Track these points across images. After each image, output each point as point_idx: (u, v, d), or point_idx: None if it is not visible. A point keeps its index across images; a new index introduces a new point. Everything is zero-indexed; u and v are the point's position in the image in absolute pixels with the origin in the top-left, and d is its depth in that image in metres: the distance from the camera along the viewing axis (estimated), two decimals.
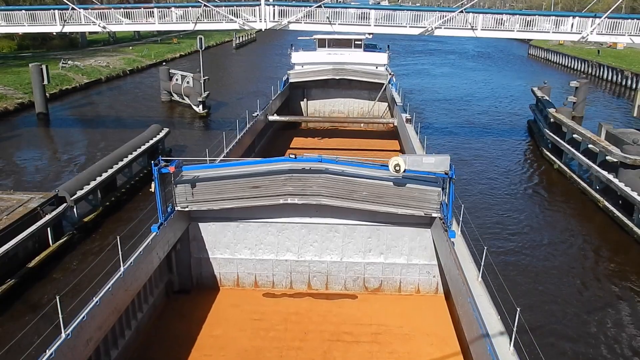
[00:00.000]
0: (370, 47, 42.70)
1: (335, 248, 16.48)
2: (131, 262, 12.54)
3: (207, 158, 17.07)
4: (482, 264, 12.29)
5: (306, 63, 40.07)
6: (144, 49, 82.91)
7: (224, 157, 19.60)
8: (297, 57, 40.77)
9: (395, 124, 30.75)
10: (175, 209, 15.16)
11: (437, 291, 16.53)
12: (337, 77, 38.04)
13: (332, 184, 14.80)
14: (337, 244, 16.44)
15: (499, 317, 10.90)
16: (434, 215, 15.07)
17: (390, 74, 38.56)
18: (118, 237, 12.41)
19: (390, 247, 16.32)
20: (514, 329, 9.89)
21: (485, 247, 12.36)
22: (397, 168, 14.01)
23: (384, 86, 37.14)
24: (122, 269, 12.20)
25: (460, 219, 14.70)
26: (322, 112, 40.97)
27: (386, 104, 38.80)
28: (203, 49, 50.57)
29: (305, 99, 40.82)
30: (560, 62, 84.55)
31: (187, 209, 15.34)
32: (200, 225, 16.29)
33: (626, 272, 20.25)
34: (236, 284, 16.80)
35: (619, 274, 20.11)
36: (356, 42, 39.91)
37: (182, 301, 15.92)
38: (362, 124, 37.34)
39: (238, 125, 23.88)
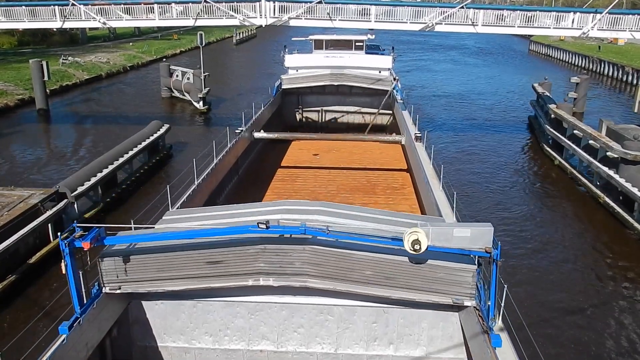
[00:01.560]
0: (372, 48, 39.47)
1: (327, 336, 12.40)
2: None
3: (169, 198, 13.95)
4: None
5: (301, 67, 35.94)
6: (144, 45, 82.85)
7: (193, 190, 16.42)
8: (290, 60, 36.45)
9: (403, 142, 27.50)
10: (103, 291, 11.25)
11: None
12: (336, 83, 34.30)
13: (322, 260, 10.82)
14: (331, 331, 12.34)
15: None
16: (466, 303, 11.18)
17: (394, 78, 35.01)
18: None
19: (403, 335, 12.27)
20: None
21: None
22: (417, 247, 9.78)
23: (389, 93, 33.42)
24: None
25: (502, 305, 10.44)
26: (318, 121, 37.05)
27: (391, 112, 35.31)
28: (203, 45, 50.63)
29: (299, 107, 37.06)
30: (561, 58, 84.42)
31: (118, 292, 11.36)
32: (145, 304, 12.16)
33: None
34: None
35: None
36: (357, 43, 36.01)
37: None
38: (364, 140, 31.49)
39: (215, 147, 20.36)
